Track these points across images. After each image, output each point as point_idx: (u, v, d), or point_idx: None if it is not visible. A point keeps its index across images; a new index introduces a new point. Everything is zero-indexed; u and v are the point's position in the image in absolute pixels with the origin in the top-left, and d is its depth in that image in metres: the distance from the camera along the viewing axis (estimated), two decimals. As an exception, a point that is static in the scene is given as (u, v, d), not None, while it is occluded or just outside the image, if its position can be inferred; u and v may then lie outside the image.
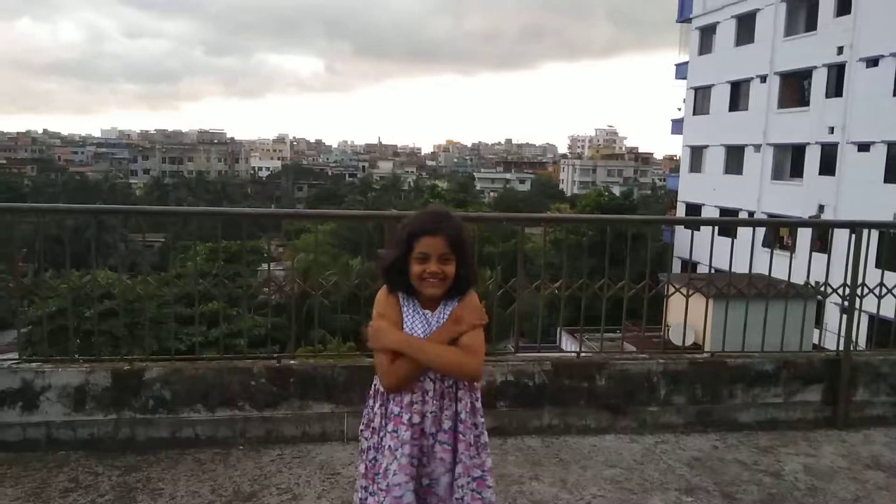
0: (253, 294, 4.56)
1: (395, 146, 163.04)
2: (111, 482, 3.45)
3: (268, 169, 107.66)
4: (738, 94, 31.39)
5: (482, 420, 2.24)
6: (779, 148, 29.00)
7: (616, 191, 50.60)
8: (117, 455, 3.72)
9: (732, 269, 4.45)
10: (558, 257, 9.48)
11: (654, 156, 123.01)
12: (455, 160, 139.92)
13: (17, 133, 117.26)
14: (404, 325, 2.16)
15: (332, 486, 3.45)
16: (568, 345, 12.58)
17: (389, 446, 2.12)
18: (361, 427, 2.27)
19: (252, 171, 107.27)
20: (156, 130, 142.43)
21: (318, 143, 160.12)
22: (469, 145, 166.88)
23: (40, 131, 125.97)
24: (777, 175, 29.12)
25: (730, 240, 4.48)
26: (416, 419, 2.13)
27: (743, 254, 4.42)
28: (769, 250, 4.90)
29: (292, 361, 4.08)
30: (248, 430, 3.93)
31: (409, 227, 2.16)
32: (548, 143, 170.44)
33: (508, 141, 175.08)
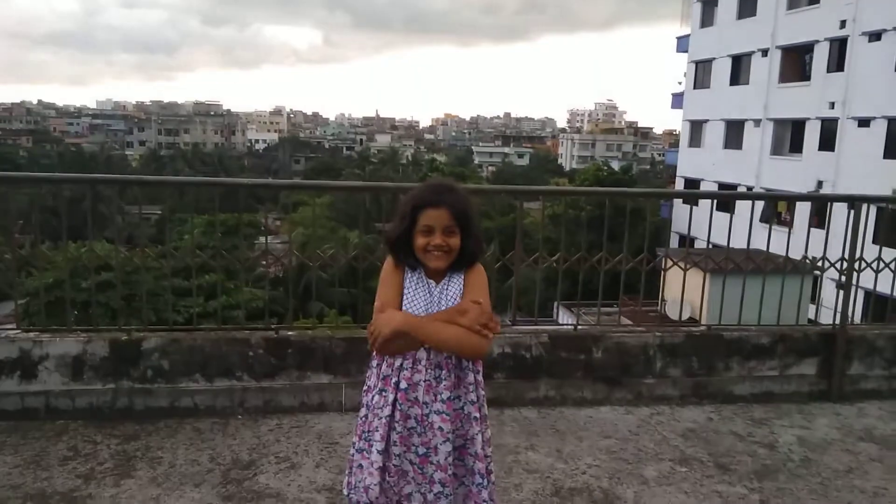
0: (251, 267, 4.55)
1: (394, 119, 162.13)
2: (110, 450, 3.47)
3: (265, 141, 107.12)
4: (740, 68, 31.15)
5: (482, 393, 2.25)
6: (779, 123, 28.88)
7: (615, 165, 50.40)
8: (116, 424, 3.74)
9: (731, 245, 4.46)
10: (556, 232, 9.48)
11: (654, 130, 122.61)
12: (453, 134, 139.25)
13: (12, 104, 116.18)
14: (404, 298, 2.16)
15: (329, 455, 3.48)
16: (565, 319, 12.63)
17: (375, 404, 2.17)
18: (364, 388, 2.29)
19: (249, 144, 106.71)
20: (151, 102, 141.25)
21: (316, 115, 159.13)
22: (467, 119, 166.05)
23: (35, 102, 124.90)
24: (776, 150, 29.04)
25: (728, 215, 4.48)
26: (403, 385, 2.14)
27: (741, 229, 4.42)
28: (767, 226, 4.91)
29: (290, 333, 4.09)
30: (246, 400, 3.96)
31: (413, 200, 2.15)
32: (547, 118, 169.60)
33: (507, 115, 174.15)
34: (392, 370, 2.16)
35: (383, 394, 2.15)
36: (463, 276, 2.20)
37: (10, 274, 4.09)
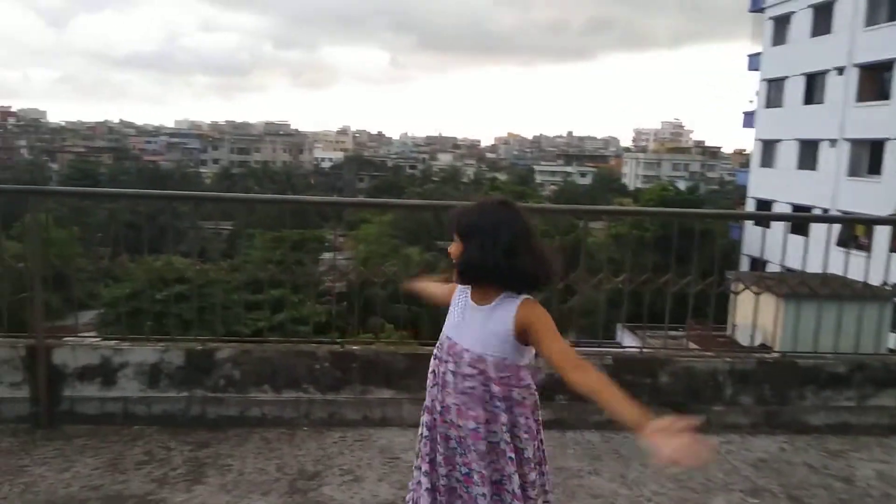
0: (317, 282, 4.68)
1: (455, 138, 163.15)
2: (183, 456, 3.60)
3: (330, 160, 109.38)
4: (814, 87, 30.14)
5: (526, 436, 2.09)
6: (856, 143, 27.72)
7: (681, 185, 49.29)
8: (189, 431, 3.88)
9: (805, 269, 4.31)
10: (619, 252, 9.34)
11: (723, 150, 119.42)
12: (515, 153, 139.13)
13: (95, 122, 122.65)
14: (448, 314, 2.18)
15: (392, 470, 3.52)
16: (628, 342, 12.38)
17: (423, 424, 2.21)
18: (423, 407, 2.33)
19: (315, 162, 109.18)
20: (225, 121, 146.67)
21: (380, 134, 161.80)
22: (530, 138, 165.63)
23: (116, 121, 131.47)
24: (854, 171, 27.85)
25: (802, 238, 4.34)
26: (438, 407, 2.14)
27: (817, 253, 4.27)
28: (845, 249, 4.72)
29: (355, 347, 4.17)
30: (311, 412, 4.04)
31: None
32: (610, 136, 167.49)
33: (570, 133, 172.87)
34: (429, 392, 2.18)
35: (428, 414, 2.19)
36: (515, 310, 2.01)
37: (92, 284, 4.31)
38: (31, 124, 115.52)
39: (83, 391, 3.94)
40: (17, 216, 4.19)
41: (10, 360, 3.90)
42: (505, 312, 2.01)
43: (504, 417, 2.06)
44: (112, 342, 4.14)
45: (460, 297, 2.15)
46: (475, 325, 2.06)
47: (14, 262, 4.04)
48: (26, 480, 3.29)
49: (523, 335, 2.00)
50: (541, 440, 2.19)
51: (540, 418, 2.17)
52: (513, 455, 2.08)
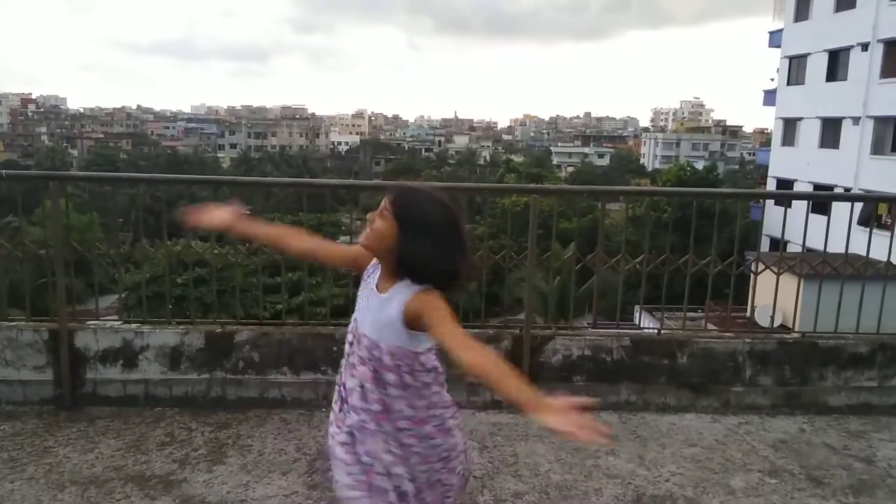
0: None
1: (472, 120, 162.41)
2: (204, 437, 3.65)
3: (347, 143, 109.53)
4: (837, 64, 29.53)
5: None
6: (880, 121, 27.18)
7: (700, 165, 48.71)
8: (209, 412, 3.93)
9: (827, 249, 4.25)
10: (637, 234, 9.27)
11: (744, 129, 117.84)
12: (532, 134, 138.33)
13: (114, 108, 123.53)
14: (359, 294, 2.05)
15: (410, 452, 3.54)
16: (646, 323, 12.34)
17: None
18: None
19: (332, 146, 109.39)
20: (242, 106, 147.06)
21: (396, 117, 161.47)
22: (546, 119, 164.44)
23: (135, 107, 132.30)
24: (877, 150, 27.34)
25: (825, 217, 4.27)
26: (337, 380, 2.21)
27: (839, 233, 4.20)
28: (867, 229, 4.65)
29: (372, 330, 4.18)
30: (330, 394, 4.04)
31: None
32: (629, 117, 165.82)
33: (587, 114, 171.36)
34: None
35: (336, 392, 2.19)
36: (408, 299, 1.89)
37: (113, 269, 4.35)
38: (52, 111, 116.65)
39: (105, 374, 4.01)
40: (38, 202, 4.23)
41: (33, 343, 3.97)
42: (398, 302, 1.92)
43: (400, 404, 1.98)
44: (133, 325, 4.19)
45: (370, 278, 2.03)
46: (374, 311, 1.97)
47: (35, 248, 4.10)
48: (51, 461, 3.36)
49: (415, 322, 1.91)
50: (447, 429, 2.04)
51: (448, 399, 2.06)
52: (410, 442, 1.99)
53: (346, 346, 2.07)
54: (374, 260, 2.03)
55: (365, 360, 1.99)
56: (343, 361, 2.09)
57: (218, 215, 2.24)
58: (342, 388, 2.09)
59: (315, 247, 2.29)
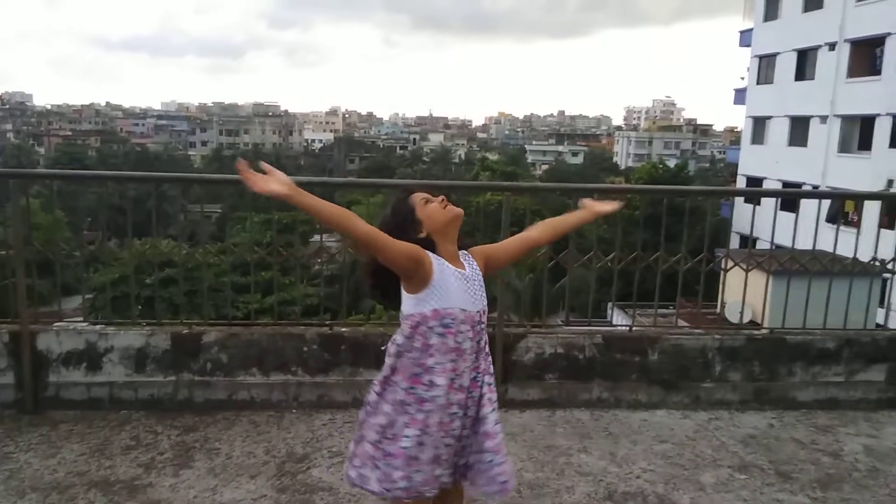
0: (306, 264, 4.63)
1: (446, 118, 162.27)
2: (170, 441, 3.58)
3: (320, 141, 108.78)
4: (805, 63, 30.02)
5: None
6: (847, 119, 27.71)
7: (672, 163, 49.20)
8: (176, 415, 3.85)
9: (795, 246, 4.30)
10: (610, 232, 9.32)
11: (714, 127, 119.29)
12: (506, 132, 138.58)
13: (82, 105, 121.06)
14: (441, 283, 2.09)
15: (381, 452, 3.50)
16: (618, 320, 12.41)
17: None
18: None
19: (305, 144, 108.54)
20: (213, 103, 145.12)
21: (370, 115, 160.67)
22: (521, 117, 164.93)
23: (103, 104, 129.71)
24: (844, 148, 27.86)
25: (793, 215, 4.32)
26: (457, 380, 2.26)
27: (807, 230, 4.26)
28: (834, 226, 4.71)
29: (344, 329, 4.14)
30: (300, 395, 4.02)
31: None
32: (602, 115, 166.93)
33: (561, 112, 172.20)
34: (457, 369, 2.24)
35: (461, 392, 2.24)
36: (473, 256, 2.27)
37: (79, 269, 4.25)
38: (17, 108, 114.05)
39: (69, 376, 3.91)
40: (1, 202, 4.11)
41: (-7, 346, 3.85)
42: (477, 266, 2.26)
43: None
44: (97, 327, 4.10)
45: (443, 267, 2.13)
46: (481, 285, 2.21)
47: (-4, 248, 3.97)
48: (11, 467, 3.26)
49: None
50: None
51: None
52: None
53: (466, 334, 2.11)
54: (426, 255, 2.09)
55: (484, 329, 2.19)
56: (466, 348, 2.13)
57: (275, 182, 2.05)
58: (475, 373, 2.17)
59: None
